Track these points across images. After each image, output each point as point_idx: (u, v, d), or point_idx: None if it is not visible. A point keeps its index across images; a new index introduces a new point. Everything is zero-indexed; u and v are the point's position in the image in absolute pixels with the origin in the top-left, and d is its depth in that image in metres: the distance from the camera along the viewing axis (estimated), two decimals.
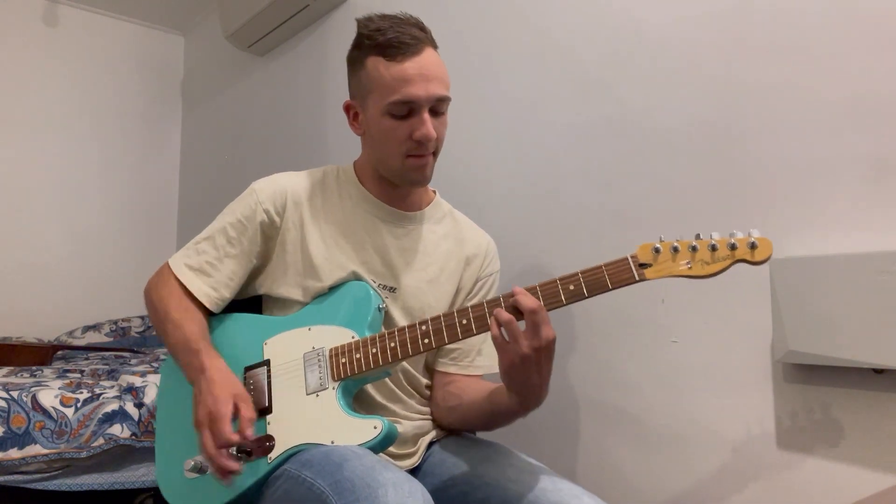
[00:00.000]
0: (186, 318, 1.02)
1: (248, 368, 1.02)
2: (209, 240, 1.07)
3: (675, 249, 0.81)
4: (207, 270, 1.06)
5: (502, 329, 0.84)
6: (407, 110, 0.99)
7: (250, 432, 0.88)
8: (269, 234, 1.07)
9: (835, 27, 1.06)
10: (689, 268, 0.80)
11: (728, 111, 1.18)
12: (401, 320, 1.06)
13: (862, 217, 1.01)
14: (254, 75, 2.75)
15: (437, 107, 1.00)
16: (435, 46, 1.02)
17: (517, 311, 0.84)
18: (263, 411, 0.97)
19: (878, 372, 0.97)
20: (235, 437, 0.86)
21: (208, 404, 0.89)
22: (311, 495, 0.79)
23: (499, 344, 0.85)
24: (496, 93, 1.64)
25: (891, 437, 0.96)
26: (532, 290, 0.86)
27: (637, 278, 0.82)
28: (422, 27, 1.01)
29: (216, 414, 0.87)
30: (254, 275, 1.10)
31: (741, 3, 1.17)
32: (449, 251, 1.13)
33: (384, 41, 0.97)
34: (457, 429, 1.12)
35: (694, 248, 0.80)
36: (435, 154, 1.05)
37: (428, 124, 0.99)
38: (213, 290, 1.05)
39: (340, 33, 2.26)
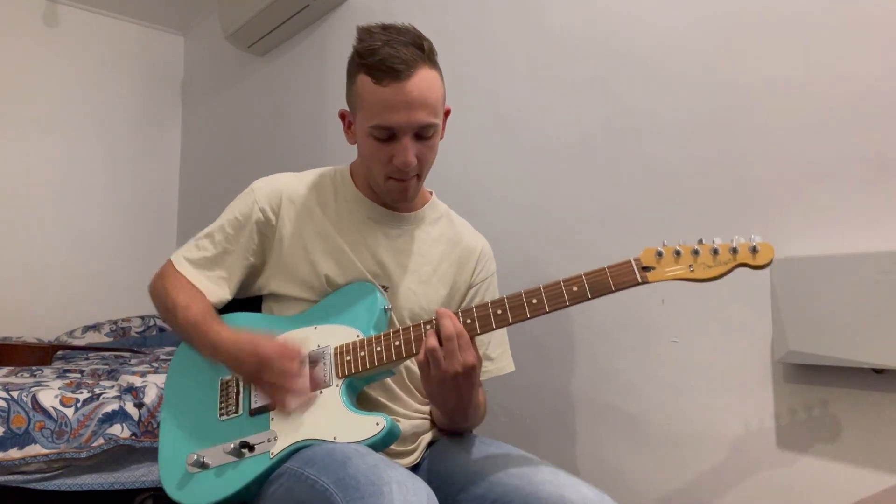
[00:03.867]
0: (194, 301, 1.03)
1: None
2: (209, 236, 1.09)
3: (678, 253, 0.82)
4: (206, 265, 1.08)
5: (441, 347, 0.88)
6: (388, 135, 0.98)
7: (301, 350, 0.95)
8: (265, 233, 1.08)
9: (835, 27, 1.06)
10: (692, 271, 0.81)
11: (728, 111, 1.18)
12: (392, 321, 1.07)
13: (862, 217, 1.01)
14: (254, 75, 2.75)
15: (422, 132, 0.99)
16: (432, 64, 0.98)
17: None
18: (268, 407, 0.97)
19: (878, 372, 0.97)
20: (298, 349, 0.94)
21: (249, 354, 0.93)
22: (314, 493, 0.79)
23: (420, 367, 0.91)
24: (495, 93, 1.64)
25: (891, 437, 0.96)
26: (536, 292, 0.87)
27: (640, 280, 0.83)
28: (420, 45, 0.96)
29: (264, 352, 0.92)
30: (255, 274, 1.11)
31: (741, 3, 1.18)
32: (443, 253, 1.14)
33: (372, 62, 0.95)
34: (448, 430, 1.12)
35: (696, 252, 0.81)
36: (419, 176, 1.04)
37: (408, 152, 0.97)
38: (212, 284, 1.07)
39: (340, 33, 2.26)
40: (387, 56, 0.93)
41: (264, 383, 0.94)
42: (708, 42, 1.22)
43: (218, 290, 1.07)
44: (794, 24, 1.10)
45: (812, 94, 1.08)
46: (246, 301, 1.14)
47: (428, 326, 0.92)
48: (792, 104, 1.10)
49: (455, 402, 0.93)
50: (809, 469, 1.05)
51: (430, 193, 1.19)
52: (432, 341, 0.88)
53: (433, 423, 1.13)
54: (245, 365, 0.94)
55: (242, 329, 0.98)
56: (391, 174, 1.01)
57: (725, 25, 1.20)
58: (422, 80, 0.96)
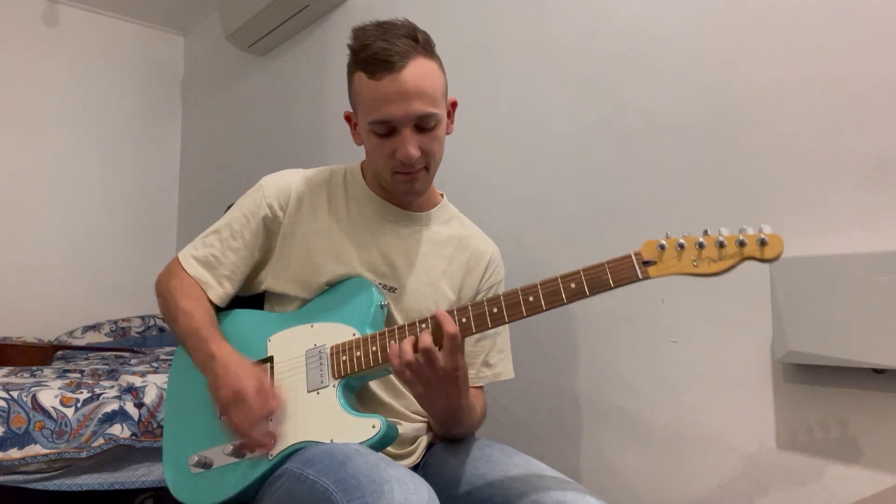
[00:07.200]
0: (197, 308, 1.03)
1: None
2: (216, 233, 1.09)
3: (681, 246, 0.76)
4: (212, 263, 1.07)
5: (417, 356, 0.87)
6: (388, 129, 0.97)
7: (274, 401, 0.93)
8: (271, 229, 1.08)
9: (835, 27, 1.06)
10: (696, 266, 0.76)
11: (728, 111, 1.18)
12: (400, 321, 1.06)
13: (862, 217, 1.01)
14: (254, 75, 2.75)
15: (423, 123, 0.97)
16: (429, 55, 0.98)
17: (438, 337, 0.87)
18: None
19: (878, 372, 0.97)
20: (273, 404, 0.92)
21: (231, 384, 0.91)
22: (314, 493, 0.79)
23: (399, 371, 0.89)
24: (496, 93, 1.64)
25: (891, 437, 0.96)
26: (533, 289, 0.84)
27: (640, 276, 0.78)
28: (414, 36, 0.96)
29: (243, 390, 0.90)
30: (257, 270, 1.11)
31: (741, 3, 1.18)
32: (452, 255, 1.13)
33: (365, 57, 0.94)
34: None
35: (701, 245, 0.76)
36: (428, 168, 1.02)
37: (407, 145, 0.96)
38: (217, 282, 1.07)
39: (340, 33, 2.26)
40: (379, 49, 0.93)
41: (231, 419, 0.92)
42: (708, 42, 1.22)
43: (221, 288, 1.07)
44: (794, 24, 1.10)
45: (812, 94, 1.07)
46: (248, 298, 1.14)
47: (423, 325, 0.91)
48: (792, 104, 1.10)
49: (444, 405, 0.92)
50: (809, 469, 1.05)
51: (442, 196, 1.18)
52: (428, 340, 0.86)
53: (430, 428, 1.12)
54: (223, 391, 0.92)
55: (230, 352, 0.97)
56: (397, 169, 1.00)
57: (726, 25, 1.19)
58: (417, 70, 0.94)
